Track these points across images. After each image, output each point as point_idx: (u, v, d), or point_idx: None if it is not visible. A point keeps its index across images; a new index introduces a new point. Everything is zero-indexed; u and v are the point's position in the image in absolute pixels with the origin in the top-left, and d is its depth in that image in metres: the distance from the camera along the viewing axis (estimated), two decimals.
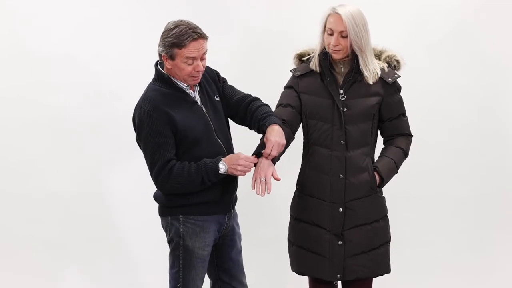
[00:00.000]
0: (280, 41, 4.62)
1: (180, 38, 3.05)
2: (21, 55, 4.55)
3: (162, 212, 3.28)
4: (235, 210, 3.39)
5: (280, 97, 3.46)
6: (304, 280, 3.57)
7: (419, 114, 4.49)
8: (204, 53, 3.12)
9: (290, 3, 4.69)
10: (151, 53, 4.56)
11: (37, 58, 4.55)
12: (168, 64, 3.14)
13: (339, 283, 3.45)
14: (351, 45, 3.26)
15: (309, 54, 3.43)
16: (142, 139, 3.13)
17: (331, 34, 3.27)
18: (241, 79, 4.64)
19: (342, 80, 3.34)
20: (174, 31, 3.06)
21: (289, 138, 3.36)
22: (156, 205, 3.32)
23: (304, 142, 3.45)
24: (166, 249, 3.32)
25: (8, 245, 4.61)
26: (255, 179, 3.16)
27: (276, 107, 3.43)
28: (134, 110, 3.18)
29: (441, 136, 4.71)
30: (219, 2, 4.63)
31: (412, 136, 3.48)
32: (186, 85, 3.18)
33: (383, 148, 3.47)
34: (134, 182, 4.62)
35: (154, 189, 3.31)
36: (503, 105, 4.71)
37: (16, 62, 4.55)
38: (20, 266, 4.61)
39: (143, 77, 4.56)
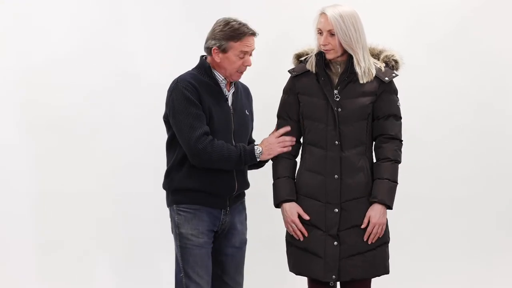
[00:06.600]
0: (281, 42, 4.62)
1: (237, 32, 3.24)
2: (21, 55, 4.55)
3: (166, 203, 3.42)
4: (240, 208, 3.45)
5: (280, 104, 3.46)
6: (304, 280, 3.57)
7: (418, 113, 4.48)
8: (253, 50, 3.29)
9: (291, 3, 4.69)
10: (151, 53, 4.62)
11: (37, 58, 4.56)
12: (217, 58, 3.27)
13: (338, 284, 3.45)
14: (341, 44, 3.26)
15: (307, 54, 3.43)
16: (179, 112, 3.21)
17: (321, 34, 3.29)
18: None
19: (337, 80, 3.33)
20: (229, 26, 3.25)
21: (294, 149, 3.43)
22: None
23: (302, 143, 3.45)
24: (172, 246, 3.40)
25: (8, 245, 4.61)
26: (289, 228, 3.36)
27: (277, 116, 3.45)
28: (169, 88, 3.28)
29: (440, 136, 4.69)
30: (220, 2, 4.63)
31: (401, 141, 3.38)
32: (222, 79, 3.30)
33: (374, 169, 3.35)
34: (134, 182, 4.62)
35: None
36: (503, 104, 4.70)
37: (16, 62, 4.55)
38: (20, 266, 4.62)
39: (143, 77, 4.59)
